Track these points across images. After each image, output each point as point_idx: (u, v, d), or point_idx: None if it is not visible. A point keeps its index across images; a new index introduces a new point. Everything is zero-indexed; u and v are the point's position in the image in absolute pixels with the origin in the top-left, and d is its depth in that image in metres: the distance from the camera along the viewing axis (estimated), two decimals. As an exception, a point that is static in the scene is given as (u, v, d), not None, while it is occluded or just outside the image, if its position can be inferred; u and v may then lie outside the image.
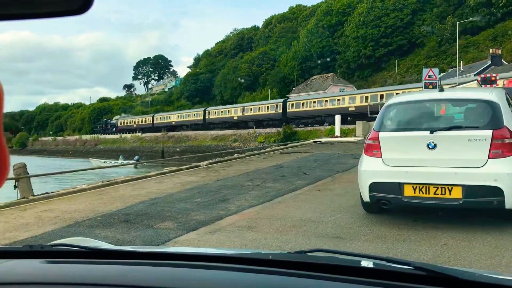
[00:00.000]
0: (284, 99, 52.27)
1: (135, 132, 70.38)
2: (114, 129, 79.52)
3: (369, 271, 1.04)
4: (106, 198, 8.48)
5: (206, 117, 60.57)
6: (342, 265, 1.05)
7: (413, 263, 1.02)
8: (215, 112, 60.47)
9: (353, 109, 41.29)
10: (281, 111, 49.61)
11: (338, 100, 43.68)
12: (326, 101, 45.21)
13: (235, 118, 56.27)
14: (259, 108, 53.66)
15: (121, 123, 79.96)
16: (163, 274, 1.09)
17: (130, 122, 77.37)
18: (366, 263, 1.06)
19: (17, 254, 1.29)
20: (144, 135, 69.47)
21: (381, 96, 39.38)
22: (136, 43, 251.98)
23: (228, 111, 58.51)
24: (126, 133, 69.56)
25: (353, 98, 42.42)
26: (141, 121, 74.08)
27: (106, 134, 77.40)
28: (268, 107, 52.35)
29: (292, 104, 49.17)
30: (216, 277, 1.06)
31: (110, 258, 1.23)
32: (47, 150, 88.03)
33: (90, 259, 1.22)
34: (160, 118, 70.21)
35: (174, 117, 67.44)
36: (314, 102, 46.59)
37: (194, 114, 63.42)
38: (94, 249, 1.29)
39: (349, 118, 38.29)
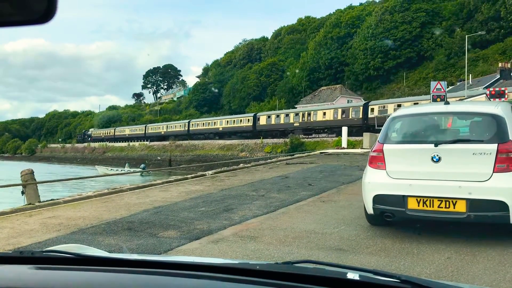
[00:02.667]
0: (188, 120, 72.21)
1: (104, 141, 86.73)
2: (89, 138, 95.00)
3: (355, 284, 1.04)
4: (111, 205, 8.51)
5: (147, 131, 78.74)
6: (328, 277, 1.05)
7: (399, 276, 1.01)
8: (151, 128, 79.26)
9: (221, 129, 61.23)
10: (186, 128, 68.26)
11: (214, 123, 63.98)
12: (208, 123, 65.37)
13: (162, 132, 74.10)
14: (175, 126, 72.72)
15: (94, 134, 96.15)
16: (149, 282, 1.09)
17: (99, 134, 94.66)
18: (352, 275, 1.06)
19: (6, 259, 1.30)
20: (152, 143, 70.31)
21: (233, 121, 59.61)
22: (147, 52, 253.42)
23: (159, 127, 77.16)
24: (133, 141, 78.78)
25: (221, 121, 62.95)
26: (107, 133, 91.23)
27: (84, 143, 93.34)
28: (180, 125, 71.71)
29: (192, 124, 68.50)
30: (201, 286, 1.07)
31: (101, 266, 1.24)
32: (56, 157, 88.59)
33: (80, 266, 1.23)
34: (119, 131, 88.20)
35: (127, 130, 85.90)
36: (203, 124, 66.66)
37: (139, 129, 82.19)
38: (85, 256, 1.30)
39: (216, 136, 59.50)
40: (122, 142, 79.05)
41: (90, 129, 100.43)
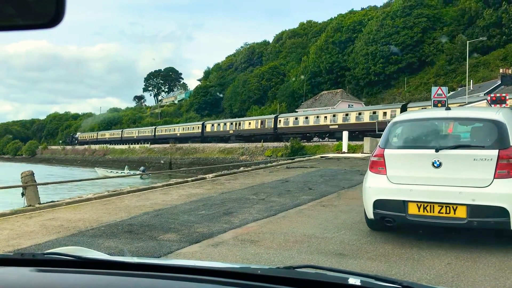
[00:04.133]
0: (154, 127, 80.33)
1: (88, 144, 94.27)
2: (76, 141, 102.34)
3: None
4: (111, 208, 8.51)
5: (123, 136, 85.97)
6: (329, 282, 1.05)
7: (401, 282, 1.01)
8: (126, 132, 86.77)
9: (178, 134, 69.12)
10: (153, 134, 76.30)
11: (173, 129, 73.01)
12: (170, 129, 74.24)
13: (135, 137, 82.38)
14: (144, 131, 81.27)
15: (80, 137, 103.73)
16: (150, 285, 1.09)
17: (84, 137, 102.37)
18: (353, 281, 1.06)
19: (7, 261, 1.29)
20: (152, 146, 70.36)
21: (188, 128, 69.69)
22: (151, 56, 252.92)
23: (132, 132, 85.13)
24: (112, 144, 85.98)
25: (178, 128, 72.12)
26: (91, 136, 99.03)
27: (72, 145, 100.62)
28: (147, 131, 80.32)
29: (158, 130, 77.23)
30: None
31: (101, 268, 1.24)
32: (56, 159, 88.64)
33: (81, 269, 1.23)
34: (100, 135, 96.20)
35: (107, 134, 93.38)
36: (166, 129, 75.66)
37: (117, 133, 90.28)
38: (86, 258, 1.30)
39: (177, 141, 65.37)
40: (103, 144, 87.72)
41: (78, 133, 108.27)
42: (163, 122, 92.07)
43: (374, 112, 41.25)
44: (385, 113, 39.56)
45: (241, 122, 58.59)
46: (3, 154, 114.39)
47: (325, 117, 46.02)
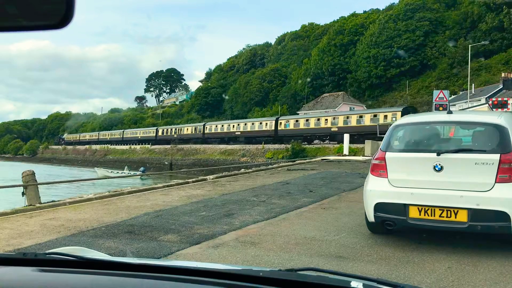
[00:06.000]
0: (122, 130, 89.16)
1: (73, 144, 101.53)
2: (63, 142, 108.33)
3: None
4: (112, 208, 8.51)
5: (99, 137, 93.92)
6: (332, 285, 1.05)
7: (403, 285, 1.01)
8: (102, 134, 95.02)
9: (140, 137, 79.79)
10: (121, 136, 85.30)
11: (136, 133, 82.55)
12: (134, 133, 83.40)
13: (108, 138, 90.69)
14: (115, 134, 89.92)
15: (66, 138, 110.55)
16: (152, 286, 1.09)
17: (70, 138, 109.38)
18: (355, 284, 1.06)
19: (10, 261, 1.29)
20: (153, 147, 70.46)
21: (146, 132, 79.95)
22: (152, 56, 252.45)
23: (106, 134, 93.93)
24: (92, 144, 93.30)
25: (140, 132, 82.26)
26: (75, 138, 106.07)
27: (60, 145, 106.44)
28: (117, 134, 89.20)
29: (125, 133, 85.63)
30: None
31: (103, 269, 1.24)
32: (57, 159, 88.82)
33: (83, 269, 1.23)
34: (82, 136, 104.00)
35: (87, 136, 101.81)
36: (131, 133, 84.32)
37: (95, 135, 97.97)
38: (88, 259, 1.29)
39: (140, 143, 77.45)
40: (85, 145, 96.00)
41: (65, 134, 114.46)
42: (164, 123, 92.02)
43: (265, 123, 55.04)
44: (264, 123, 54.21)
45: (182, 128, 71.73)
46: (4, 154, 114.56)
47: (234, 125, 58.95)
